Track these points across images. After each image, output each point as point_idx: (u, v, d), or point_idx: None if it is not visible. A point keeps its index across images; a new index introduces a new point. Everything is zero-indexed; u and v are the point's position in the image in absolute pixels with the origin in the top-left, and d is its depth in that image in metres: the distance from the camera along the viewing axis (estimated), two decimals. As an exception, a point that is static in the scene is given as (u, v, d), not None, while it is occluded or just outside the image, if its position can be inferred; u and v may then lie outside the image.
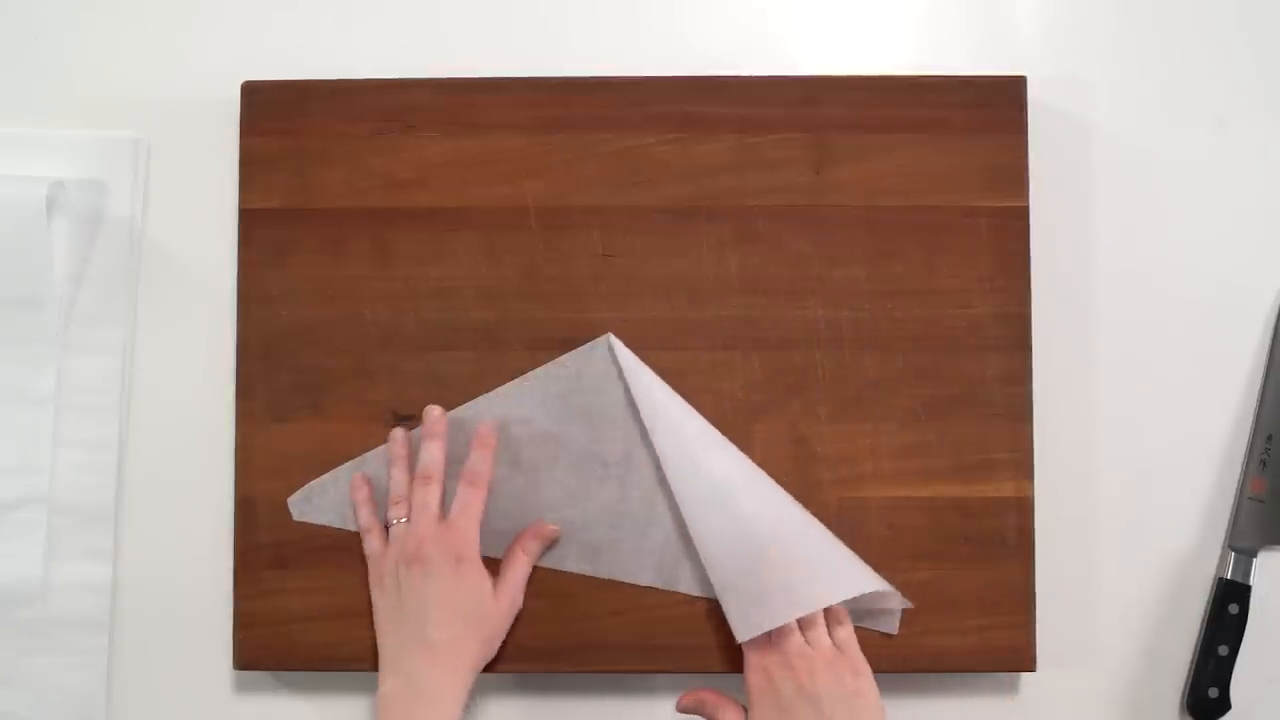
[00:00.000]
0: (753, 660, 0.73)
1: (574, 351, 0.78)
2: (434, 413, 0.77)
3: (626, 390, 0.77)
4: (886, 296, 0.78)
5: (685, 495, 0.76)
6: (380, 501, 0.78)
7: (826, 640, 0.72)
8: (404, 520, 0.76)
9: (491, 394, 0.78)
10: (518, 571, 0.76)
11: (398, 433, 0.78)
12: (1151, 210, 0.81)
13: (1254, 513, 0.79)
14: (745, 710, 0.73)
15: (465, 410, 0.78)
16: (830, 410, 0.78)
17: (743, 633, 0.73)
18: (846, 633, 0.73)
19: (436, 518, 0.75)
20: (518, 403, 0.78)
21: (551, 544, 0.78)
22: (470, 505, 0.76)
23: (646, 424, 0.76)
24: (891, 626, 0.76)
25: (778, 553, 0.73)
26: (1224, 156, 0.81)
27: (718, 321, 0.78)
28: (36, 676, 0.79)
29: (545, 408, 0.78)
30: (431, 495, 0.76)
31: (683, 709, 0.75)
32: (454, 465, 0.77)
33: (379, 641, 0.75)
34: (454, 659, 0.73)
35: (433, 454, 0.76)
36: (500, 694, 0.80)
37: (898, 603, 0.76)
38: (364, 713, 0.80)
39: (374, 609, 0.76)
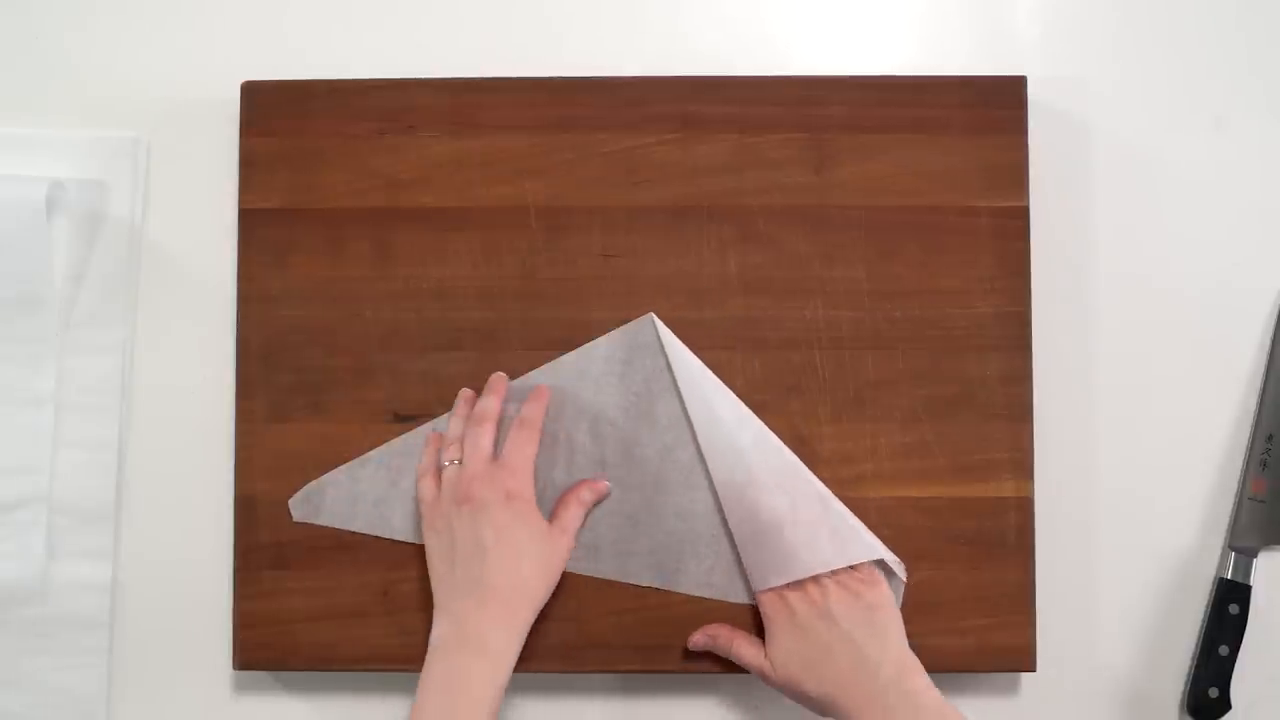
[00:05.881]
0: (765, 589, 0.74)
1: (576, 350, 0.78)
2: (498, 375, 0.77)
3: (625, 390, 0.77)
4: (886, 296, 0.78)
5: (716, 457, 0.76)
6: (374, 499, 0.78)
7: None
8: (457, 461, 0.75)
9: (492, 394, 0.78)
10: (571, 514, 0.75)
11: (465, 392, 0.77)
12: (1151, 210, 0.81)
13: (1254, 513, 0.79)
14: (761, 641, 0.74)
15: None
16: (830, 410, 0.78)
17: (760, 584, 0.75)
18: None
19: (489, 458, 0.74)
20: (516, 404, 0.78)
21: (601, 500, 0.77)
22: (522, 445, 0.74)
23: (684, 393, 0.76)
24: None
25: (802, 515, 0.74)
26: (1224, 156, 0.81)
27: (718, 321, 0.78)
28: (36, 676, 0.79)
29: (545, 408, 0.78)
30: (484, 436, 0.74)
31: (696, 646, 0.76)
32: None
33: (433, 588, 0.73)
34: (509, 601, 0.71)
35: (489, 403, 0.75)
36: (500, 694, 0.80)
37: (901, 572, 0.76)
38: (364, 712, 0.80)
39: (428, 555, 0.74)
